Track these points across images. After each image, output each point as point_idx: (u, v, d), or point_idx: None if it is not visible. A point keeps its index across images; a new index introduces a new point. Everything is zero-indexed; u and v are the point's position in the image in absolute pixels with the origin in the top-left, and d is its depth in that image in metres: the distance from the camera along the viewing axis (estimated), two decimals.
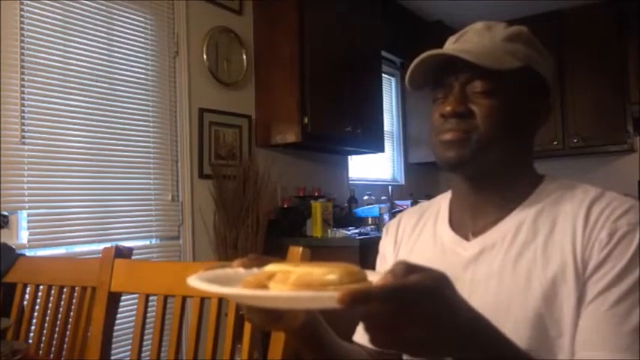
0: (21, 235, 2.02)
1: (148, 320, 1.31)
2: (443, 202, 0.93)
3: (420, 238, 0.92)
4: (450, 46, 0.83)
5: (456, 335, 0.53)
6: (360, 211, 3.53)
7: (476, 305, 0.57)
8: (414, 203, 3.60)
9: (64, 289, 1.47)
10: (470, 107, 0.78)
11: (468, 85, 0.78)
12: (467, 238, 0.84)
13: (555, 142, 4.19)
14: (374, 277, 0.55)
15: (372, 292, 0.47)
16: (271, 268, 0.57)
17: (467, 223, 0.85)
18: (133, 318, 1.33)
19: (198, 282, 0.55)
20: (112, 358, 1.39)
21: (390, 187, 3.95)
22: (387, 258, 0.97)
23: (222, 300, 1.18)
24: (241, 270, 0.64)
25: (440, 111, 0.80)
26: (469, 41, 0.82)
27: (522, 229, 0.78)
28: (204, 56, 2.77)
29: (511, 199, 0.81)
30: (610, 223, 0.71)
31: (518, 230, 0.78)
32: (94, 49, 2.30)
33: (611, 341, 0.67)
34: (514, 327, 0.71)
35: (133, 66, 2.46)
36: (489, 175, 0.81)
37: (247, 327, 1.13)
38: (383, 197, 3.82)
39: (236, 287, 0.56)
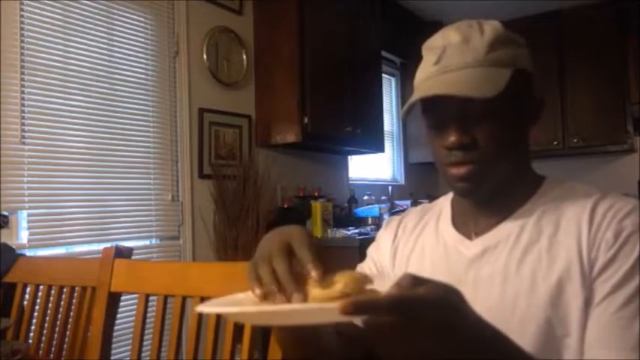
0: (21, 235, 2.02)
1: (148, 320, 1.31)
2: (445, 202, 0.93)
3: (421, 237, 0.92)
4: (432, 69, 0.78)
5: (466, 349, 0.52)
6: (360, 211, 3.53)
7: (480, 305, 0.56)
8: (414, 203, 3.60)
9: (64, 289, 1.47)
10: (473, 135, 0.76)
11: (464, 110, 0.76)
12: (469, 238, 0.83)
13: (555, 142, 4.19)
14: (381, 282, 0.54)
15: (378, 302, 0.47)
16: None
17: (469, 223, 0.85)
18: (133, 318, 1.33)
19: (209, 307, 0.56)
20: (112, 358, 1.38)
21: (390, 187, 3.95)
22: (382, 249, 0.96)
23: None
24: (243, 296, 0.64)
25: (442, 143, 0.78)
26: (452, 64, 0.77)
27: (526, 230, 0.78)
28: (204, 56, 2.77)
29: (513, 202, 0.81)
30: (615, 224, 0.72)
31: (521, 231, 0.78)
32: (94, 49, 2.30)
33: (617, 342, 0.67)
34: (519, 327, 0.71)
35: (133, 66, 2.46)
36: (496, 188, 0.81)
37: (247, 327, 1.13)
38: (383, 197, 3.82)
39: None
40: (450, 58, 0.77)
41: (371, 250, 0.99)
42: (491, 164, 0.77)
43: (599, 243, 0.71)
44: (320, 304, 0.50)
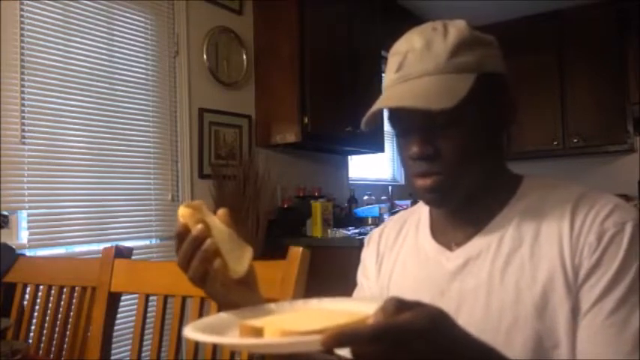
0: (21, 235, 2.02)
1: (147, 320, 1.31)
2: (423, 209, 0.90)
3: (402, 249, 0.89)
4: (393, 76, 0.76)
5: None
6: (360, 211, 3.53)
7: (465, 317, 0.55)
8: (414, 203, 3.59)
9: (64, 289, 1.48)
10: (436, 146, 0.74)
11: (426, 120, 0.73)
12: (450, 248, 0.81)
13: (555, 142, 4.19)
14: (372, 306, 0.54)
15: (361, 333, 0.45)
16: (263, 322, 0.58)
17: (449, 232, 0.82)
18: (133, 318, 1.33)
19: (194, 333, 0.56)
20: (112, 358, 1.39)
21: (390, 187, 3.95)
22: (368, 269, 0.94)
23: None
24: (226, 316, 0.65)
25: (407, 153, 0.76)
26: (411, 72, 0.74)
27: (507, 237, 0.75)
28: (204, 56, 2.77)
29: (492, 205, 0.79)
30: (597, 226, 0.70)
31: (502, 238, 0.76)
32: (94, 49, 2.30)
33: (612, 349, 0.65)
34: (506, 339, 0.70)
35: (133, 66, 2.46)
36: (467, 196, 0.78)
37: None
38: (383, 197, 3.82)
39: (231, 334, 0.59)
40: (411, 66, 0.75)
41: (360, 277, 0.96)
42: (457, 174, 0.74)
43: (582, 248, 0.69)
44: (301, 337, 0.49)
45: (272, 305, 0.69)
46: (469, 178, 0.76)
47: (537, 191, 0.78)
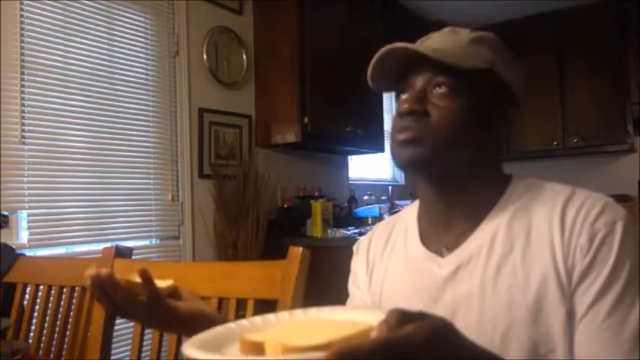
0: (21, 235, 2.02)
1: None
2: (410, 215, 0.89)
3: (392, 256, 0.88)
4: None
5: None
6: (360, 211, 3.53)
7: (460, 325, 0.54)
8: None
9: (64, 289, 1.48)
10: (426, 107, 0.75)
11: (431, 85, 0.76)
12: (441, 254, 0.80)
13: (555, 142, 4.19)
14: (373, 315, 0.53)
15: (364, 348, 0.45)
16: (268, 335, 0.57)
17: (439, 236, 0.81)
18: None
19: (194, 351, 0.55)
20: (112, 358, 1.39)
21: (390, 187, 3.95)
22: (359, 278, 0.92)
23: (222, 300, 1.18)
24: (223, 329, 0.64)
25: (398, 110, 0.78)
26: (434, 42, 0.79)
27: (497, 239, 0.75)
28: (204, 56, 2.77)
29: (481, 204, 0.78)
30: (588, 227, 0.69)
31: (493, 240, 0.75)
32: (94, 49, 2.31)
33: (611, 351, 0.65)
34: (501, 345, 0.69)
35: (133, 66, 2.46)
36: (453, 178, 0.78)
37: None
38: (383, 197, 3.82)
39: (231, 349, 0.59)
40: (434, 40, 0.80)
41: (351, 286, 0.95)
42: (440, 141, 0.74)
43: (574, 250, 0.69)
44: (303, 353, 0.48)
45: (271, 316, 0.68)
46: (453, 152, 0.75)
47: (526, 191, 0.78)
